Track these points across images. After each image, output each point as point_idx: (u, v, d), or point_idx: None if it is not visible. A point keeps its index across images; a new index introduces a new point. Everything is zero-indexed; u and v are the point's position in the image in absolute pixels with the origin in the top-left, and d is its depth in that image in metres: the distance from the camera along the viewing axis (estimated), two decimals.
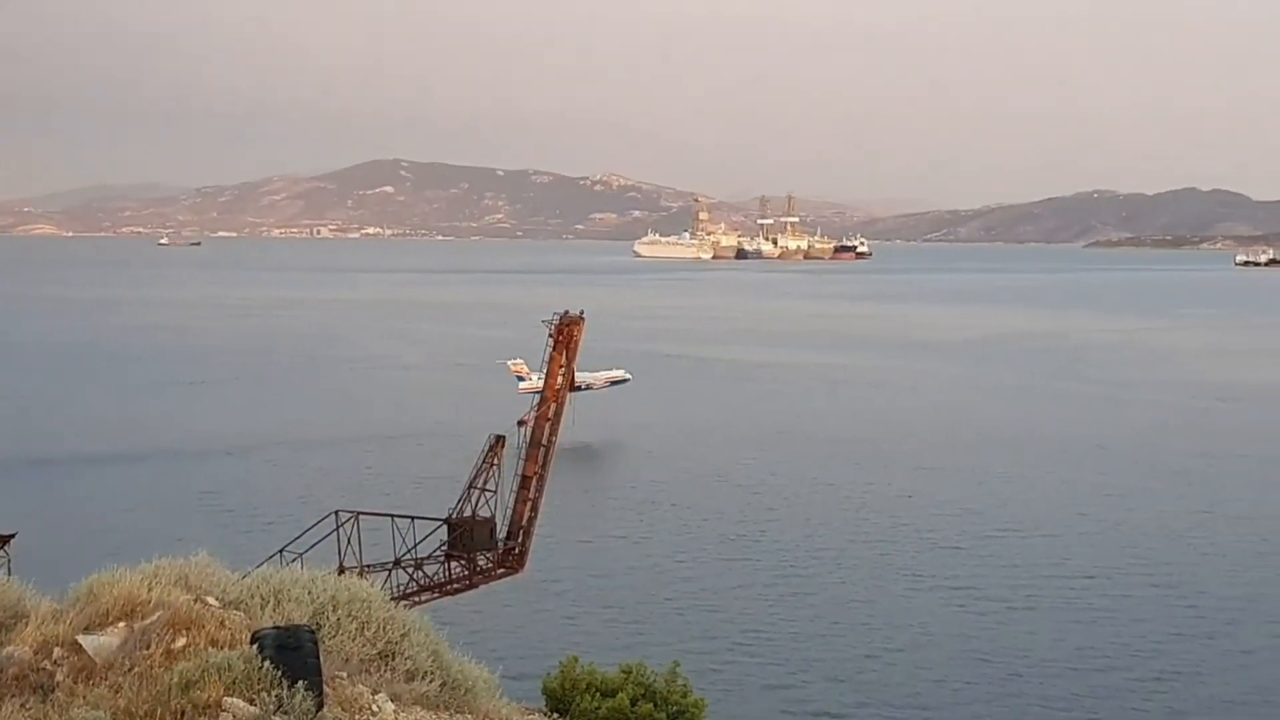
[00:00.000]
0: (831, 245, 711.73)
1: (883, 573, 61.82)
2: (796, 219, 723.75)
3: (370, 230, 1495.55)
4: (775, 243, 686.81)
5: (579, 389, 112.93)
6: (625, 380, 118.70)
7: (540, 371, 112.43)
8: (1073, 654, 49.91)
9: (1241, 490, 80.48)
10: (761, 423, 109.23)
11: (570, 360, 47.97)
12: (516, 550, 46.34)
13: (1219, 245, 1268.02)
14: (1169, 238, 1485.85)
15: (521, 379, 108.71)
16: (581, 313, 48.08)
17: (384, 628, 15.11)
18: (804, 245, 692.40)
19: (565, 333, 47.28)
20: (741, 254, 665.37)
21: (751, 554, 65.59)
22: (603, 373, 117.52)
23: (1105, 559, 63.91)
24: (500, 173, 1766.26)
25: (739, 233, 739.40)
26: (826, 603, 57.02)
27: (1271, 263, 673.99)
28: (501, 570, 46.42)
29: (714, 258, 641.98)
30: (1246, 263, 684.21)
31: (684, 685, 24.43)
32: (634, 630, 52.77)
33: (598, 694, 23.25)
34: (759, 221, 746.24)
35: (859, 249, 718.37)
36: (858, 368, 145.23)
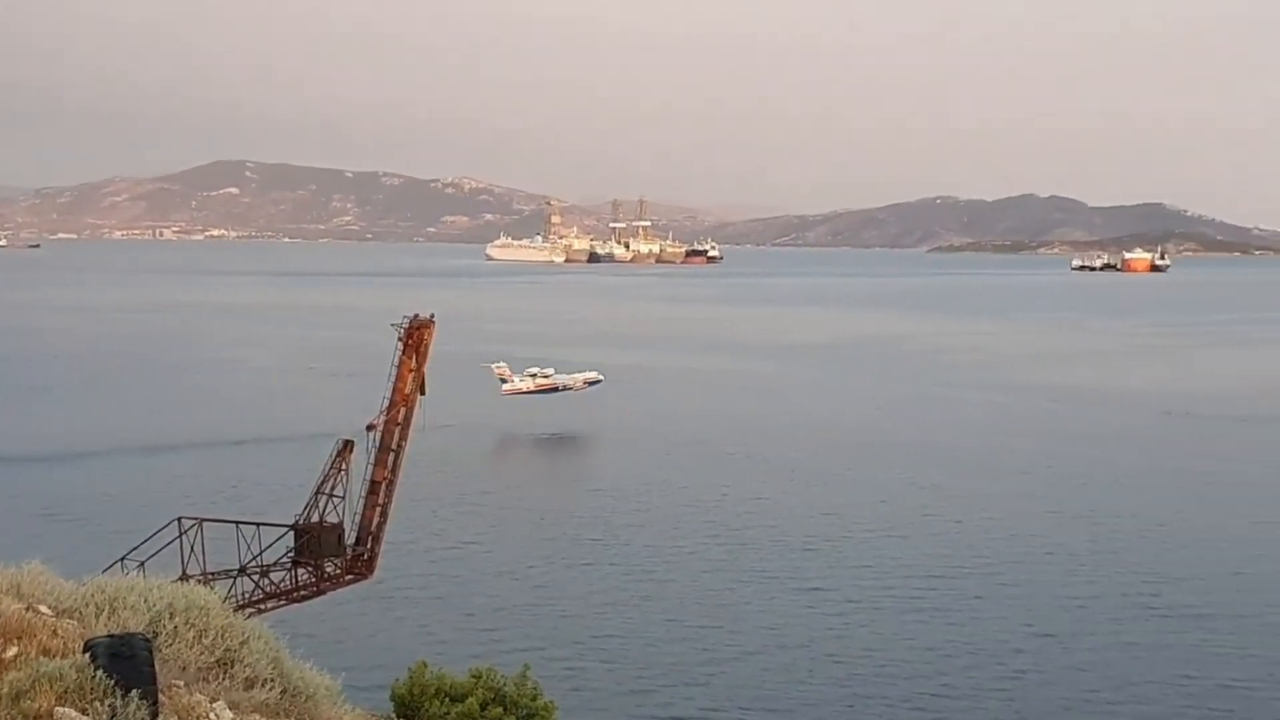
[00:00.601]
0: (683, 249, 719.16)
1: (734, 574, 62.40)
2: (648, 223, 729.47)
3: (215, 232, 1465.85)
4: (628, 246, 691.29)
5: (558, 390, 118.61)
6: (599, 381, 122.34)
7: (521, 375, 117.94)
8: (921, 653, 50.89)
9: (1082, 490, 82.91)
10: (615, 426, 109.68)
11: (420, 364, 47.46)
12: (365, 556, 45.81)
13: (1056, 250, 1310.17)
14: (1008, 243, 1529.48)
15: (504, 381, 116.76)
16: (432, 316, 47.68)
17: (223, 635, 14.82)
18: (656, 249, 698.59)
19: (415, 336, 46.83)
20: (594, 257, 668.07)
21: (604, 557, 65.73)
22: (579, 375, 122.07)
23: (953, 559, 65.30)
24: (349, 174, 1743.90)
25: (591, 236, 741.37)
26: (677, 605, 57.36)
27: (1106, 267, 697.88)
28: (350, 576, 45.85)
29: (566, 261, 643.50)
30: (1082, 267, 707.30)
31: (534, 689, 24.42)
32: (484, 635, 52.51)
33: (447, 699, 23.14)
34: (611, 225, 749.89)
35: (710, 253, 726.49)
36: (712, 371, 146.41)
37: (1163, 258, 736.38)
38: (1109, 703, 45.87)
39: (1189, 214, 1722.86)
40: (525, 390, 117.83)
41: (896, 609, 56.60)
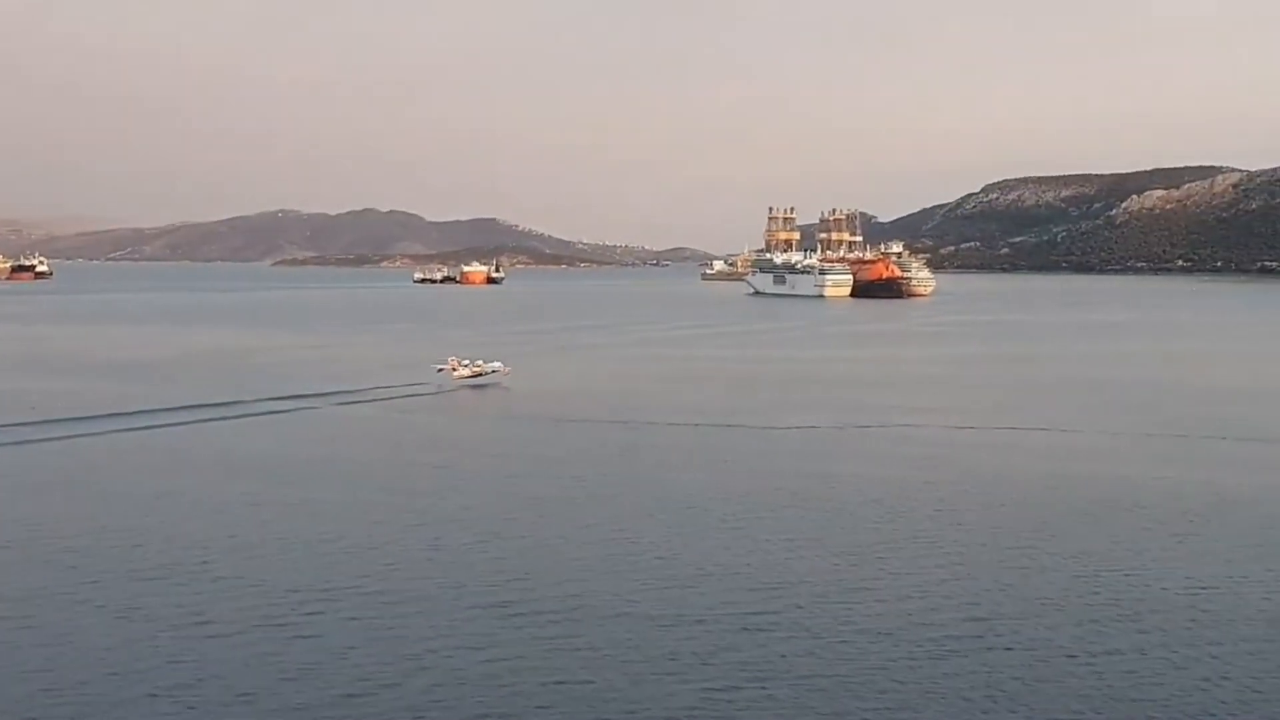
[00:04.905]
0: (8, 265, 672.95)
1: (110, 600, 58.35)
2: None
3: None
4: None
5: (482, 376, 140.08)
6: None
7: (468, 363, 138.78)
8: (297, 669, 50.14)
9: (466, 496, 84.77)
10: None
11: None
12: None
13: (399, 263, 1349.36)
14: (353, 256, 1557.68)
15: (454, 370, 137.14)
16: None
17: None
18: None
19: None
20: None
21: None
22: (495, 363, 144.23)
23: (300, 583, 64.80)
24: None
25: None
26: (19, 626, 52.93)
27: (446, 280, 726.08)
28: None
29: None
30: (424, 280, 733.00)
31: None
32: None
33: None
34: None
35: (39, 268, 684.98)
36: (41, 392, 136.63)
37: (498, 270, 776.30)
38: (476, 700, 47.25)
39: (520, 229, 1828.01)
40: (468, 376, 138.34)
41: (274, 630, 55.30)
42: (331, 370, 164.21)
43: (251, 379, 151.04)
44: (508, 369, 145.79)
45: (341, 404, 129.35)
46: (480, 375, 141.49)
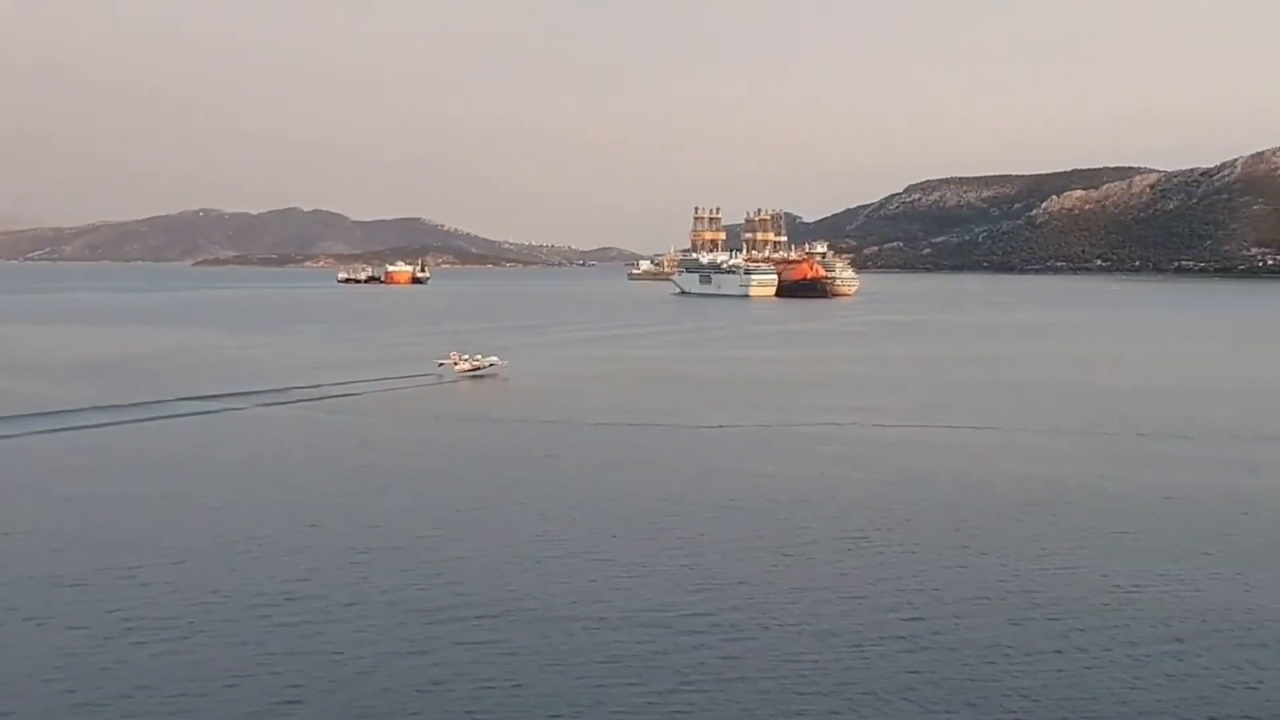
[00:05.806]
0: None
1: (33, 607, 57.40)
2: None
3: None
4: None
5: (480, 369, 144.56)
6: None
7: (468, 357, 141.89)
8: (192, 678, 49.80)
9: (398, 498, 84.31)
10: None
11: None
12: None
13: (322, 263, 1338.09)
14: (275, 256, 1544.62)
15: (455, 364, 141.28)
16: None
17: None
18: None
19: None
20: None
21: None
22: (493, 356, 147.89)
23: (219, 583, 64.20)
24: None
25: None
26: None
27: (370, 279, 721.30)
28: None
29: None
30: (348, 279, 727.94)
31: None
32: None
33: None
34: None
35: None
36: None
37: (423, 270, 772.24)
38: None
39: (446, 228, 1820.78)
40: (468, 369, 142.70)
41: (238, 630, 54.81)
42: (252, 370, 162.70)
43: (168, 380, 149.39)
44: (504, 362, 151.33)
45: (273, 404, 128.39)
46: (479, 369, 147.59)
